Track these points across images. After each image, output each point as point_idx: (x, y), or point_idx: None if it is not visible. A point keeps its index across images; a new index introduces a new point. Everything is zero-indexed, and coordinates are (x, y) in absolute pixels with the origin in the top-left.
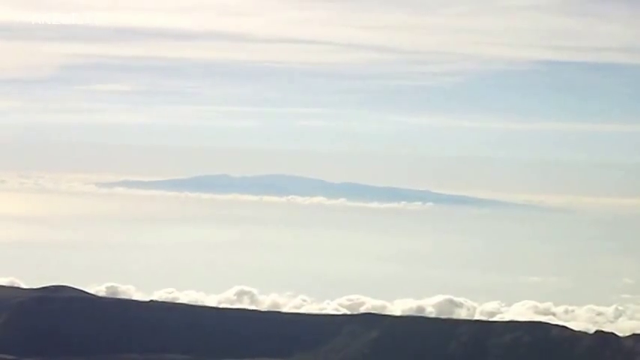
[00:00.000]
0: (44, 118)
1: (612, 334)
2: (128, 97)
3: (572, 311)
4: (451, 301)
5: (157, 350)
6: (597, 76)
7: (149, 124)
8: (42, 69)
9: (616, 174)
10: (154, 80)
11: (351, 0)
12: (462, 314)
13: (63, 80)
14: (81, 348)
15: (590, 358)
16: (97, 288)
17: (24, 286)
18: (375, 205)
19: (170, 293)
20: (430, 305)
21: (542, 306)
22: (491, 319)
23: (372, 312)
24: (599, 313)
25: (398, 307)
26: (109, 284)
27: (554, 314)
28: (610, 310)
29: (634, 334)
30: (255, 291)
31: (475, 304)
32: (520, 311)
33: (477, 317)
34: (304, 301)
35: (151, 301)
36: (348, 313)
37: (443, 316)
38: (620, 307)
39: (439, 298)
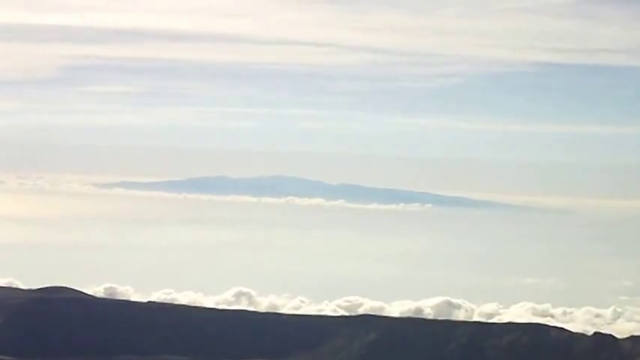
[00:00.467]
0: (43, 119)
1: (610, 335)
2: (127, 98)
3: (571, 313)
4: (449, 303)
5: (156, 351)
6: (595, 78)
7: (148, 126)
8: (41, 70)
9: (614, 176)
10: (153, 82)
11: (349, 2)
12: (460, 316)
13: (62, 81)
14: (79, 349)
15: None
16: (96, 289)
17: (22, 287)
18: (373, 206)
19: (168, 294)
20: (428, 307)
21: (540, 308)
22: (489, 321)
23: (370, 313)
24: (598, 315)
25: (396, 308)
26: (108, 285)
27: (552, 316)
28: (608, 312)
29: (632, 336)
30: (253, 292)
31: (473, 306)
32: (518, 313)
33: (475, 319)
34: (302, 302)
35: (150, 302)
36: (347, 314)
37: (441, 318)
38: (618, 309)
39: (437, 299)
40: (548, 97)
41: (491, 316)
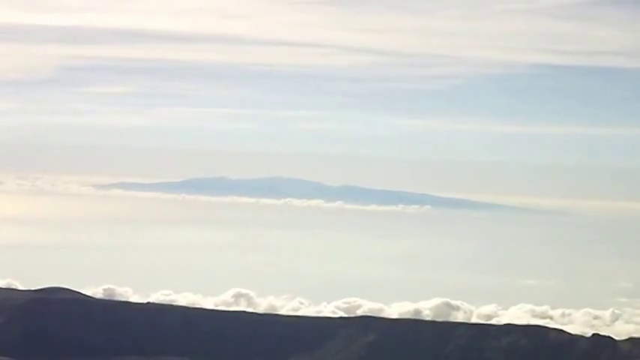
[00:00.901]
0: (42, 120)
1: (609, 337)
2: (125, 99)
3: (569, 315)
4: (448, 304)
5: (154, 352)
6: (594, 80)
7: (146, 126)
8: (40, 71)
9: (613, 177)
10: (152, 82)
11: (349, 3)
12: (458, 317)
13: (60, 82)
14: (78, 350)
15: None
16: (94, 290)
17: (21, 287)
18: (372, 207)
19: (167, 295)
20: (427, 308)
21: (539, 309)
22: (488, 323)
23: (369, 315)
24: (596, 317)
25: (395, 310)
26: (106, 286)
27: (551, 318)
28: (607, 314)
29: (631, 338)
30: (252, 293)
31: (472, 308)
32: (517, 314)
33: (473, 320)
34: (301, 303)
35: (148, 303)
36: (345, 315)
37: (440, 319)
38: (616, 311)
39: (436, 301)
40: (547, 99)
41: (490, 317)
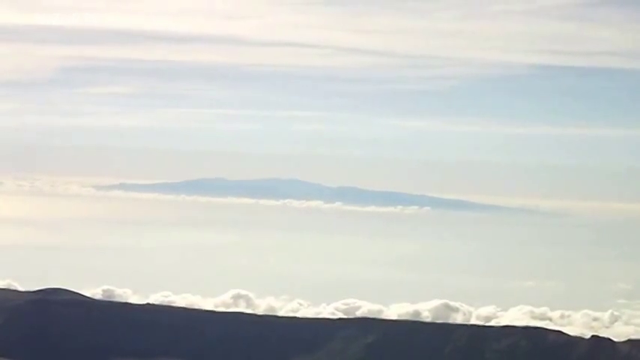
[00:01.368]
0: (41, 121)
1: (608, 339)
2: (125, 99)
3: (568, 316)
4: (447, 306)
5: (153, 354)
6: (593, 81)
7: (146, 127)
8: (39, 71)
9: (612, 178)
10: (152, 83)
11: (348, 4)
12: (457, 319)
13: (60, 83)
14: (77, 351)
15: None
16: (94, 291)
17: (20, 288)
18: (371, 209)
19: (166, 296)
20: (426, 310)
21: (538, 311)
22: (487, 324)
23: (368, 316)
24: (595, 319)
25: (394, 311)
26: (106, 287)
27: (550, 319)
28: (606, 316)
29: (630, 340)
30: (251, 295)
31: (471, 309)
32: (516, 316)
33: (472, 322)
34: (300, 304)
35: (147, 304)
36: (344, 317)
37: (439, 321)
38: (616, 313)
39: (435, 302)
40: (546, 100)
41: (489, 319)
